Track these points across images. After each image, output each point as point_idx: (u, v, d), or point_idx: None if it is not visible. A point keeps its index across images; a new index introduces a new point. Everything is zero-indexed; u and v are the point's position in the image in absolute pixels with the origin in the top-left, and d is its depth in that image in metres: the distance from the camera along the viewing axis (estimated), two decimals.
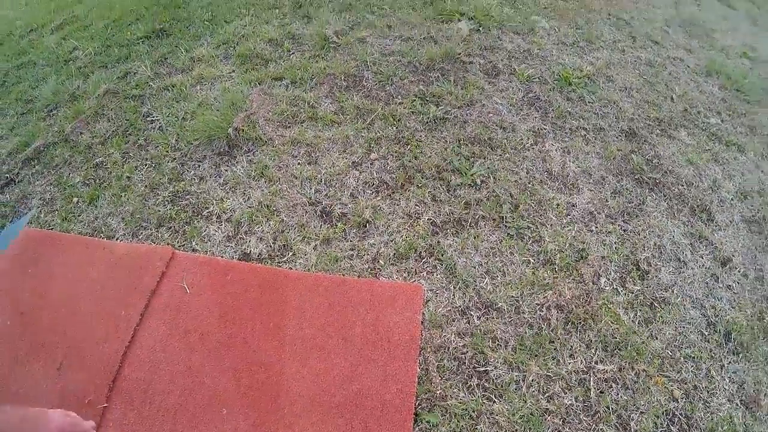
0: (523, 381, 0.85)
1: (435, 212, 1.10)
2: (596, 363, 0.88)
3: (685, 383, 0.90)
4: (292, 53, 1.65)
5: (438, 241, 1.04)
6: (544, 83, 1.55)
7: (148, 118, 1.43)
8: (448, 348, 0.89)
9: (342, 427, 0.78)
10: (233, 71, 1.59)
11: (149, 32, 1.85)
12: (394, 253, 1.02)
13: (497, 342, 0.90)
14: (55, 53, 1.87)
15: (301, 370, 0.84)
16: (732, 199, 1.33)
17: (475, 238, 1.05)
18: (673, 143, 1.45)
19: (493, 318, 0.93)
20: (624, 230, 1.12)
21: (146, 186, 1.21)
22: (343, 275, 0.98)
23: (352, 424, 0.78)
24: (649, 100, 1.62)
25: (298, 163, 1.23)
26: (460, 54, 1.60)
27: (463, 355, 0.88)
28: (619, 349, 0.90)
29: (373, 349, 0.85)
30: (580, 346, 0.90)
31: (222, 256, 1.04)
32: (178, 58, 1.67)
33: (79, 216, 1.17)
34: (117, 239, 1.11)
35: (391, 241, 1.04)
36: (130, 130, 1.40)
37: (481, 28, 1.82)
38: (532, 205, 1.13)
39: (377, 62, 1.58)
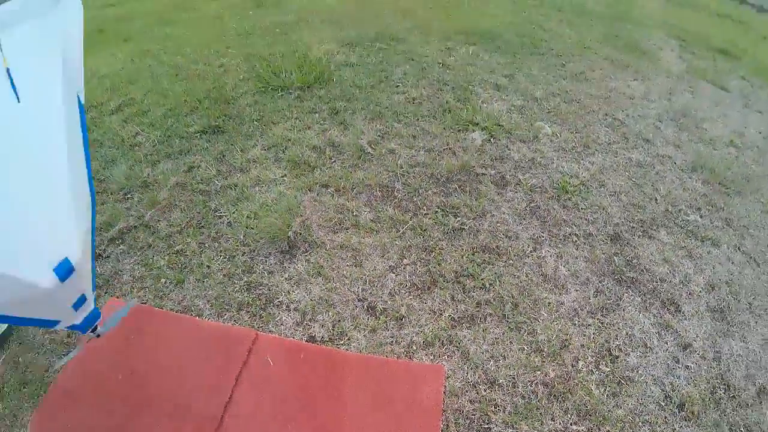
0: None
1: (454, 310, 1.44)
2: (571, 425, 1.20)
3: None
4: (334, 161, 2.04)
5: (456, 333, 1.38)
6: (545, 192, 1.91)
7: (216, 213, 1.80)
8: (462, 411, 1.22)
9: None
10: (285, 175, 1.97)
11: (206, 127, 2.25)
12: (423, 341, 1.36)
13: (498, 407, 1.23)
14: (120, 136, 2.24)
15: (359, 425, 1.17)
16: (700, 291, 1.64)
17: (483, 330, 1.39)
18: (652, 243, 1.78)
19: (495, 390, 1.26)
20: (601, 323, 1.45)
21: (224, 275, 1.58)
22: (386, 357, 1.32)
23: None
24: (635, 202, 1.96)
25: (347, 265, 1.59)
26: (474, 166, 1.98)
27: (473, 416, 1.21)
28: (590, 415, 1.22)
29: (408, 412, 1.18)
30: (559, 412, 1.22)
31: (294, 338, 1.39)
32: (235, 158, 2.06)
33: (168, 295, 1.54)
34: (205, 318, 1.46)
35: (421, 331, 1.38)
36: (203, 222, 1.77)
37: (492, 138, 2.21)
38: (529, 303, 1.47)
39: (406, 174, 1.96)
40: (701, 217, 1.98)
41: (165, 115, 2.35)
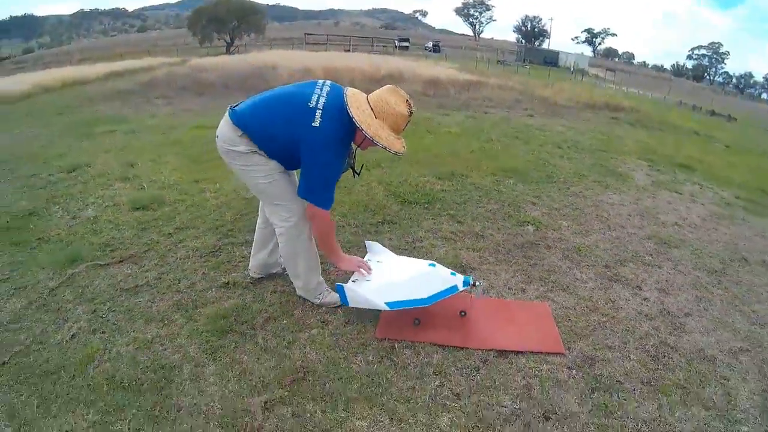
0: None
1: None
2: None
3: None
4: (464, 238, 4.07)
5: None
6: (566, 250, 3.92)
7: None
8: None
9: None
10: (444, 245, 3.98)
11: (381, 220, 3.90)
12: None
13: None
14: None
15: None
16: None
17: None
18: (626, 267, 3.74)
19: None
20: None
21: None
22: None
23: None
24: (617, 254, 3.96)
25: None
26: (534, 242, 4.01)
27: None
28: None
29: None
30: None
31: None
32: (409, 237, 4.06)
33: None
34: None
35: None
36: None
37: (537, 229, 4.27)
38: None
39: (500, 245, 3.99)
40: (652, 256, 3.95)
41: (345, 214, 4.03)
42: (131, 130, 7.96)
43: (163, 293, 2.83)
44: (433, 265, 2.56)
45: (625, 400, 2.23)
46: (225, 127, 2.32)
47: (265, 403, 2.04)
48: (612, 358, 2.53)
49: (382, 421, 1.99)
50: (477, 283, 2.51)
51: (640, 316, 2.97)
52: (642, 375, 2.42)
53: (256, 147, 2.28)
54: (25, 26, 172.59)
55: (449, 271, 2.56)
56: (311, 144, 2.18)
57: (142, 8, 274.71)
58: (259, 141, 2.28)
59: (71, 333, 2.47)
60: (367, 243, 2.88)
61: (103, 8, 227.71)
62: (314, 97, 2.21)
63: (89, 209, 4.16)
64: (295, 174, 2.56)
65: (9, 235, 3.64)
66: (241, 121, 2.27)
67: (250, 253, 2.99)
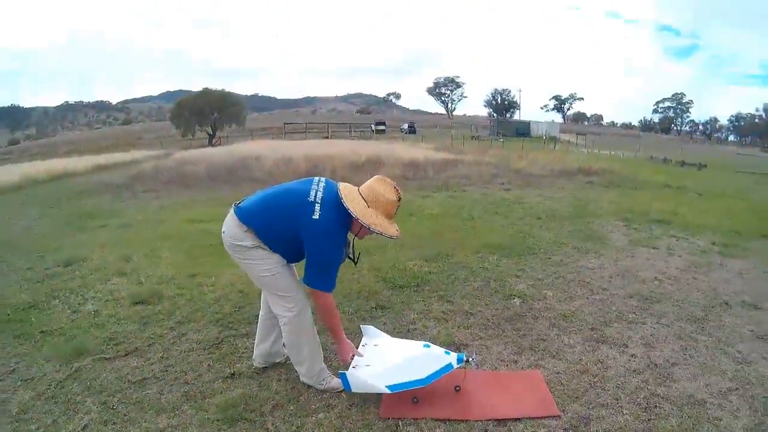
0: None
1: None
2: None
3: None
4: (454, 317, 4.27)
5: None
6: (552, 314, 4.13)
7: None
8: None
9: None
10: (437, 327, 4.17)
11: (375, 306, 4.07)
12: None
13: None
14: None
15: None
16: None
17: None
18: (616, 325, 3.95)
19: None
20: None
21: None
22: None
23: None
24: (601, 315, 4.17)
25: None
26: (522, 315, 4.22)
27: None
28: None
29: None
30: None
31: None
32: (402, 320, 4.24)
33: None
34: None
35: None
36: None
37: (524, 301, 4.50)
38: None
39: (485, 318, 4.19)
40: (635, 314, 4.16)
41: (340, 302, 4.18)
42: (123, 225, 8.15)
43: (171, 384, 2.92)
44: (428, 346, 2.76)
45: None
46: (231, 223, 2.56)
47: None
48: (606, 415, 2.68)
49: None
50: (470, 359, 2.69)
51: (629, 372, 3.15)
52: (636, 427, 2.56)
53: (261, 242, 2.51)
54: (11, 116, 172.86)
55: (443, 350, 2.75)
56: (312, 235, 2.42)
57: (125, 101, 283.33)
58: (263, 235, 2.50)
59: (83, 424, 2.55)
60: (363, 327, 3.05)
61: (87, 101, 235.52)
62: (312, 193, 2.48)
63: (89, 303, 4.27)
64: (295, 267, 2.79)
65: (11, 328, 3.75)
66: (245, 217, 2.51)
67: (252, 344, 3.14)
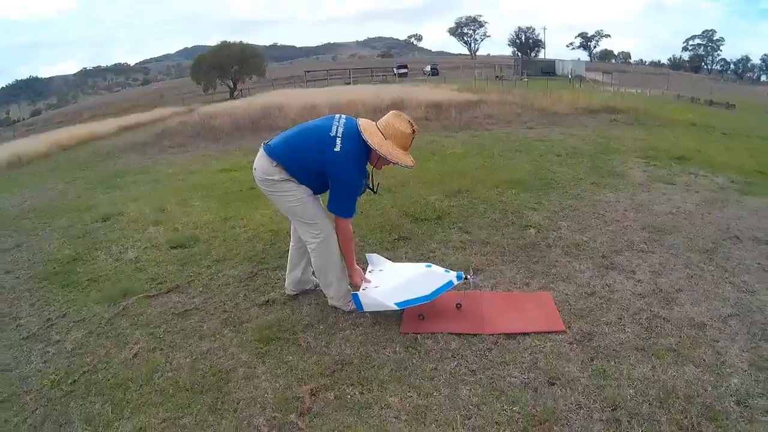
0: None
1: None
2: None
3: None
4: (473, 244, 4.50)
5: None
6: (568, 245, 4.32)
7: None
8: None
9: None
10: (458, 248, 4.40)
11: (398, 237, 4.24)
12: None
13: None
14: None
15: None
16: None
17: None
18: (630, 253, 4.13)
19: None
20: None
21: None
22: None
23: None
24: (614, 240, 4.34)
25: None
26: (536, 242, 4.41)
27: None
28: None
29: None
30: None
31: None
32: (430, 243, 4.50)
33: None
34: None
35: None
36: None
37: (539, 231, 4.68)
38: None
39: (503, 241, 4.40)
40: (646, 244, 4.32)
41: (364, 235, 4.51)
42: (154, 179, 8.46)
43: (211, 314, 3.25)
44: (429, 266, 3.04)
45: (621, 364, 2.60)
46: (261, 160, 2.82)
47: (312, 390, 2.45)
48: (608, 332, 2.91)
49: (411, 396, 2.39)
50: (468, 277, 2.97)
51: (634, 296, 3.35)
52: (636, 343, 2.79)
53: (289, 174, 2.77)
54: (30, 89, 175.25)
55: (443, 269, 3.02)
56: (334, 165, 2.68)
57: (143, 61, 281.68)
58: (291, 169, 2.77)
59: (133, 353, 2.88)
60: (368, 255, 3.29)
61: (105, 65, 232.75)
62: (334, 128, 2.73)
63: (130, 252, 4.56)
64: (321, 198, 3.03)
65: (59, 279, 4.06)
66: (274, 153, 2.77)
67: (284, 275, 3.45)
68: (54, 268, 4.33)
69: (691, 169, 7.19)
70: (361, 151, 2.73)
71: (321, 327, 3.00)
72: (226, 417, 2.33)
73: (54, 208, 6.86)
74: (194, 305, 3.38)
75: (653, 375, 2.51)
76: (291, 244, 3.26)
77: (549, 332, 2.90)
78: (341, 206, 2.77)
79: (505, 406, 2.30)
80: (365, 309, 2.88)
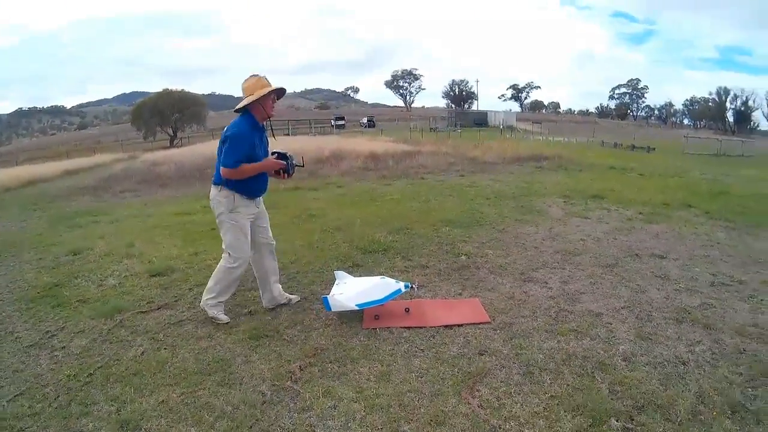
0: None
1: None
2: None
3: None
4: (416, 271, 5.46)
5: None
6: (492, 265, 5.36)
7: None
8: None
9: None
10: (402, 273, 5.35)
11: (350, 264, 5.51)
12: None
13: None
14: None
15: None
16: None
17: None
18: (544, 271, 5.20)
19: None
20: None
21: None
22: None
23: None
24: (532, 259, 5.41)
25: None
26: (468, 266, 5.43)
27: None
28: None
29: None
30: None
31: None
32: (384, 267, 5.42)
33: None
34: None
35: None
36: None
37: (469, 259, 5.71)
38: None
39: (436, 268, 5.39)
40: (558, 263, 5.40)
41: (323, 265, 5.60)
42: (114, 220, 8.96)
43: (203, 322, 3.90)
44: (383, 278, 4.08)
45: (533, 340, 3.61)
46: (211, 191, 3.73)
47: (300, 366, 3.31)
48: (524, 322, 3.92)
49: (376, 366, 3.29)
50: (413, 286, 4.05)
51: (546, 298, 4.43)
52: (546, 327, 3.79)
53: (228, 190, 3.61)
54: None
55: (394, 280, 4.03)
56: (224, 133, 3.55)
57: (80, 105, 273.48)
58: (223, 181, 3.58)
59: (140, 351, 3.47)
60: (336, 272, 4.39)
61: (41, 106, 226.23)
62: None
63: (111, 279, 5.10)
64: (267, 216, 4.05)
65: (47, 301, 4.48)
66: (216, 179, 3.65)
67: (258, 294, 4.21)
68: (38, 292, 4.72)
69: (604, 205, 8.58)
70: (246, 120, 3.58)
71: (300, 326, 3.81)
72: (234, 388, 3.11)
73: (18, 242, 7.25)
74: (186, 317, 4.03)
75: (558, 345, 3.53)
76: (254, 270, 4.08)
77: (478, 323, 3.92)
78: (227, 160, 3.47)
79: (447, 369, 3.26)
80: (333, 309, 3.76)
